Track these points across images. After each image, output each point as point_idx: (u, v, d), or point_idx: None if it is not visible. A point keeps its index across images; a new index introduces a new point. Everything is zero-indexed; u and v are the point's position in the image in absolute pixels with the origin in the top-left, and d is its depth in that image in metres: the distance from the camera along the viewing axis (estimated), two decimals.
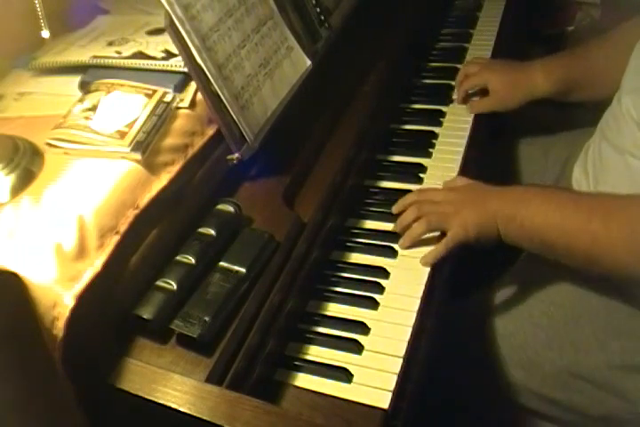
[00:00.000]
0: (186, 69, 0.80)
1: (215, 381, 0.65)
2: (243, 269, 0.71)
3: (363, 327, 0.77)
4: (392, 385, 0.71)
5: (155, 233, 0.72)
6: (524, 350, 0.95)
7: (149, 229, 0.72)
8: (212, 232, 0.74)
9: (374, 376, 0.72)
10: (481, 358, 0.98)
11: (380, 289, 0.82)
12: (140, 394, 0.63)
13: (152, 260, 0.71)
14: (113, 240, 0.67)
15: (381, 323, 0.78)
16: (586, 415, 0.95)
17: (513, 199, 0.84)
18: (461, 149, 1.02)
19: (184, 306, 0.68)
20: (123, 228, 0.68)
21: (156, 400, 0.63)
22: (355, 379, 0.72)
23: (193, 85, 0.82)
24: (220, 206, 0.78)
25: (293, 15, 0.95)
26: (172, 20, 0.75)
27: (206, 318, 0.66)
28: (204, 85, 0.78)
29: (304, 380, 0.73)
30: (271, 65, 0.88)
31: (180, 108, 0.80)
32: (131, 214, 0.69)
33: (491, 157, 1.17)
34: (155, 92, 0.78)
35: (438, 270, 0.85)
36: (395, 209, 0.90)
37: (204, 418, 0.61)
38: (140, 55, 0.86)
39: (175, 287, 0.69)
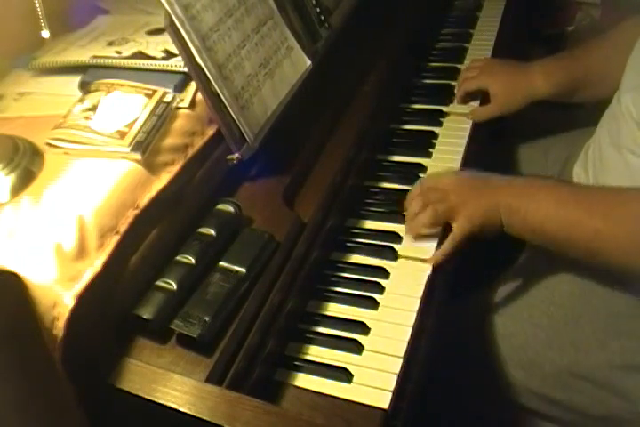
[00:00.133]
0: (186, 69, 0.80)
1: (215, 381, 0.65)
2: (243, 269, 0.71)
3: (363, 327, 0.77)
4: (392, 385, 0.71)
5: (155, 233, 0.72)
6: (524, 350, 0.95)
7: (149, 229, 0.72)
8: (212, 232, 0.74)
9: (374, 376, 0.72)
10: (481, 358, 0.98)
11: (380, 289, 0.82)
12: (140, 394, 0.63)
13: (152, 260, 0.71)
14: (113, 240, 0.67)
15: (381, 323, 0.78)
16: (586, 415, 0.95)
17: (517, 192, 0.84)
18: (461, 149, 1.02)
19: (184, 306, 0.68)
20: (123, 228, 0.68)
21: (156, 400, 0.63)
22: (355, 379, 0.72)
23: (193, 85, 0.82)
24: (220, 206, 0.78)
25: (293, 15, 0.95)
26: (172, 20, 0.75)
27: (206, 318, 0.66)
28: (204, 85, 0.78)
29: (304, 380, 0.73)
30: (271, 65, 0.88)
31: (180, 108, 0.80)
32: (131, 214, 0.69)
33: (491, 158, 1.17)
34: (155, 92, 0.78)
35: (438, 270, 0.85)
36: (405, 204, 0.90)
37: (204, 418, 0.61)
38: (140, 55, 0.86)
39: (175, 287, 0.69)
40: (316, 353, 0.76)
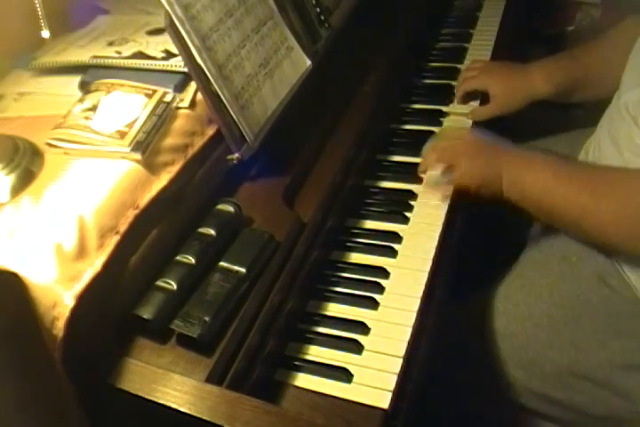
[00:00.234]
0: (186, 69, 0.80)
1: (215, 381, 0.65)
2: (243, 269, 0.71)
3: (363, 327, 0.77)
4: (392, 385, 0.71)
5: (155, 233, 0.72)
6: (524, 350, 0.95)
7: (149, 229, 0.72)
8: (212, 232, 0.74)
9: (374, 376, 0.72)
10: (481, 358, 0.98)
11: (380, 289, 0.82)
12: (140, 394, 0.63)
13: (152, 260, 0.71)
14: (113, 240, 0.67)
15: (381, 323, 0.78)
16: (587, 415, 0.95)
17: (519, 164, 0.89)
18: None
19: (184, 306, 0.68)
20: (123, 228, 0.68)
21: (156, 400, 0.63)
22: (355, 379, 0.72)
23: (193, 85, 0.82)
24: (220, 206, 0.78)
25: (293, 15, 0.95)
26: (172, 20, 0.75)
27: (206, 318, 0.66)
28: (204, 85, 0.78)
29: (304, 380, 0.73)
30: (271, 65, 0.88)
31: (180, 108, 0.80)
32: (131, 214, 0.69)
33: None
34: (155, 92, 0.78)
35: (438, 270, 0.85)
36: (421, 158, 0.97)
37: (204, 418, 0.61)
38: (140, 55, 0.87)
39: (175, 287, 0.69)
40: (316, 353, 0.76)
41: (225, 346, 0.67)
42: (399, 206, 0.93)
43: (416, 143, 1.04)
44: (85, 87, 0.82)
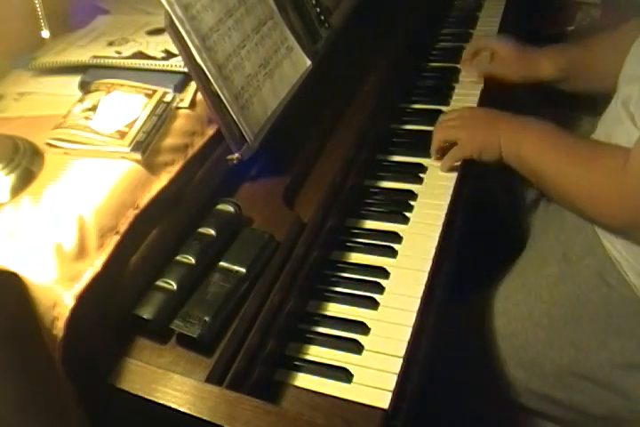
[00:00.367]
0: (186, 69, 0.80)
1: (215, 381, 0.65)
2: (243, 269, 0.71)
3: (363, 327, 0.77)
4: (392, 385, 0.71)
5: (155, 233, 0.72)
6: (524, 350, 0.95)
7: (149, 229, 0.72)
8: (212, 232, 0.74)
9: (374, 376, 0.72)
10: (481, 358, 0.98)
11: (380, 289, 0.82)
12: (140, 394, 0.63)
13: (152, 260, 0.71)
14: (113, 240, 0.67)
15: (381, 323, 0.78)
16: (587, 414, 0.95)
17: (517, 130, 0.93)
18: None
19: (184, 306, 0.68)
20: (123, 228, 0.68)
21: (156, 400, 0.63)
22: (355, 379, 0.72)
23: (193, 85, 0.82)
24: (220, 206, 0.78)
25: (293, 15, 0.95)
26: (172, 20, 0.75)
27: (206, 318, 0.66)
28: (204, 85, 0.78)
29: (304, 380, 0.73)
30: (271, 65, 0.88)
31: (180, 108, 0.80)
32: (131, 214, 0.69)
33: None
34: (155, 92, 0.78)
35: (438, 270, 0.85)
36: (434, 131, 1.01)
37: (204, 418, 0.61)
38: (140, 55, 0.87)
39: (175, 287, 0.69)
40: (316, 353, 0.76)
41: (225, 346, 0.67)
42: (399, 206, 0.93)
43: (416, 143, 1.04)
44: (85, 87, 0.82)
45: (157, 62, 0.84)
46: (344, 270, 0.85)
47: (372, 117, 0.98)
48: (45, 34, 0.85)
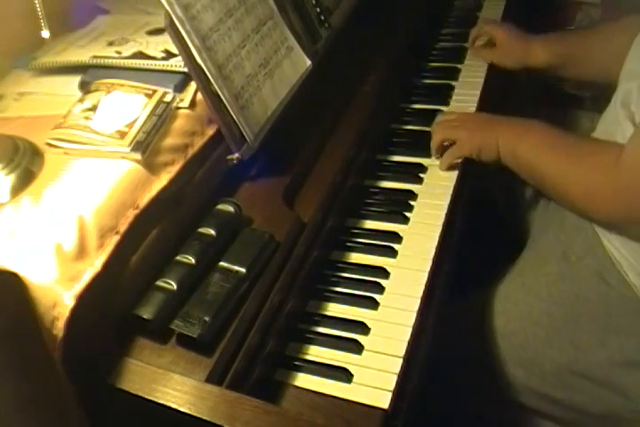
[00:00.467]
0: (186, 69, 0.80)
1: (215, 381, 0.65)
2: (243, 269, 0.71)
3: (363, 327, 0.77)
4: (392, 385, 0.71)
5: (155, 233, 0.72)
6: (524, 349, 0.95)
7: (149, 229, 0.72)
8: (212, 232, 0.74)
9: (374, 376, 0.72)
10: (481, 358, 0.98)
11: (380, 289, 0.82)
12: (140, 394, 0.63)
13: (152, 260, 0.71)
14: (113, 240, 0.67)
15: (381, 323, 0.78)
16: (586, 413, 0.95)
17: (515, 132, 0.94)
18: None
19: (184, 306, 0.68)
20: (123, 228, 0.68)
21: (156, 400, 0.63)
22: (355, 379, 0.72)
23: (193, 85, 0.82)
24: (220, 206, 0.78)
25: (293, 15, 0.95)
26: (172, 20, 0.75)
27: (206, 318, 0.66)
28: (204, 85, 0.78)
29: (304, 380, 0.73)
30: (271, 65, 0.88)
31: (180, 108, 0.80)
32: (131, 214, 0.69)
33: None
34: (155, 92, 0.78)
35: (438, 270, 0.85)
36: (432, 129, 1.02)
37: (204, 418, 0.61)
38: (140, 55, 0.87)
39: (175, 287, 0.69)
40: (316, 353, 0.76)
41: (225, 346, 0.67)
42: (399, 206, 0.93)
43: (416, 143, 1.04)
44: (85, 87, 0.82)
45: (157, 62, 0.84)
46: (344, 270, 0.85)
47: (372, 117, 0.98)
48: (45, 34, 0.85)
